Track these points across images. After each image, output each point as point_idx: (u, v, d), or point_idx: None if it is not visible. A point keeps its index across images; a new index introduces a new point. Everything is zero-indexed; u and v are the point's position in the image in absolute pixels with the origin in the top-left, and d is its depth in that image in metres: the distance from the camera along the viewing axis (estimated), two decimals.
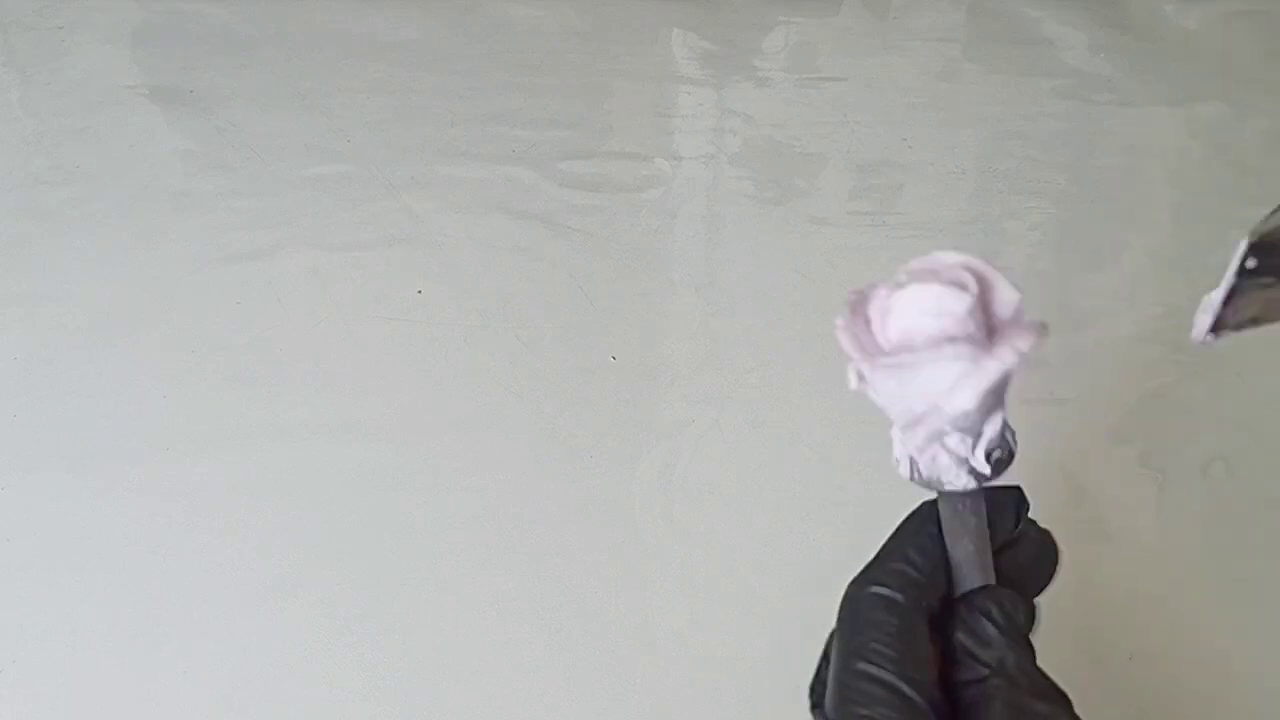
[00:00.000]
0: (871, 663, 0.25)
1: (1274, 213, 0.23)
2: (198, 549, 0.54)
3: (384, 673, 0.49)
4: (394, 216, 0.77)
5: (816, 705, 0.28)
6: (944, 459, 0.26)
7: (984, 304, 0.25)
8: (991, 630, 0.26)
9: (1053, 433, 0.62)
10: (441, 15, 1.02)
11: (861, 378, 0.25)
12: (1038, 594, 0.30)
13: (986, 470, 0.26)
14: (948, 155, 0.86)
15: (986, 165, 0.85)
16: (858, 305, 0.26)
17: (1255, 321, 0.24)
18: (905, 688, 0.25)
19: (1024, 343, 0.24)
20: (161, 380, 0.63)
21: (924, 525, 0.28)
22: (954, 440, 0.26)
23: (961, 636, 0.26)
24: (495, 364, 0.65)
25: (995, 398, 0.25)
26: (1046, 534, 0.30)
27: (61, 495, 0.56)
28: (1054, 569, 0.30)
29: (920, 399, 0.25)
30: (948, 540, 0.27)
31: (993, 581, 0.28)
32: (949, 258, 0.25)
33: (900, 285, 0.25)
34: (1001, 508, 0.29)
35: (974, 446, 0.26)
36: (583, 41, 0.99)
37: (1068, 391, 0.64)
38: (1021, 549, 0.29)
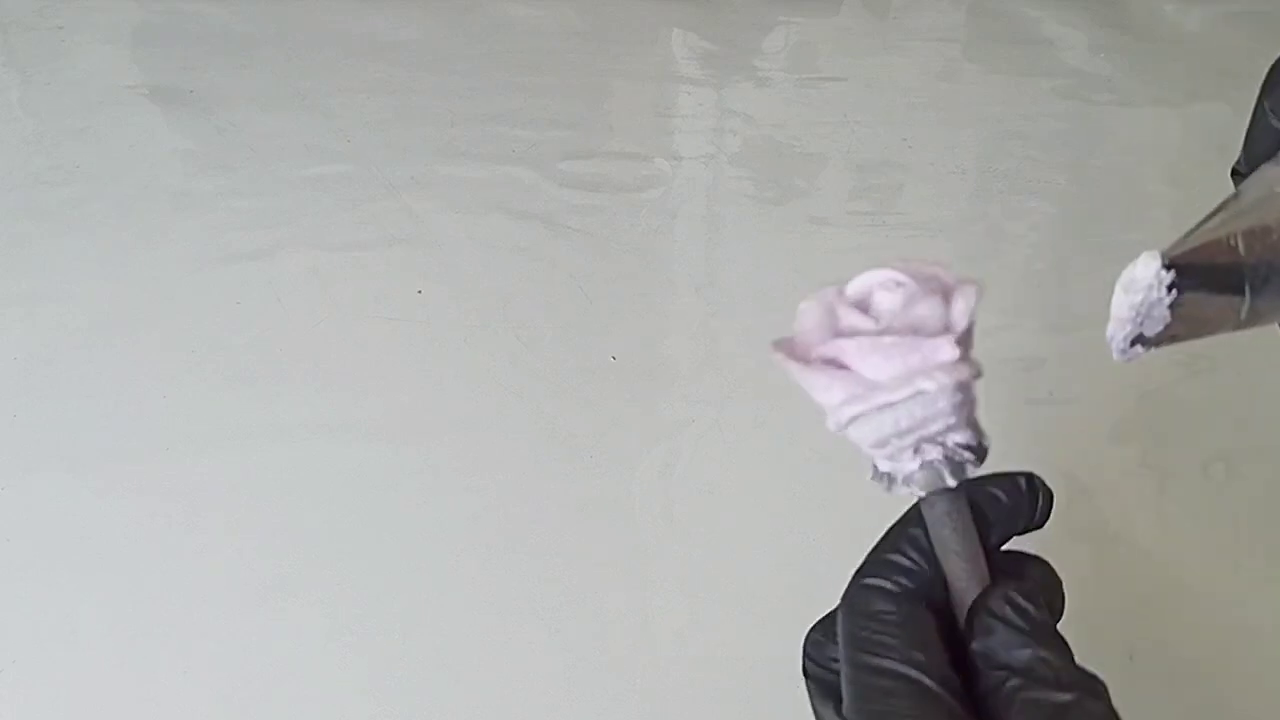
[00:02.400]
0: (873, 654, 0.24)
1: (1185, 236, 0.24)
2: (198, 549, 0.54)
3: (384, 673, 0.49)
4: (394, 216, 0.77)
5: (821, 699, 0.27)
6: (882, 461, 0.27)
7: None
8: (1004, 632, 0.25)
9: (1053, 433, 0.62)
10: (441, 15, 1.02)
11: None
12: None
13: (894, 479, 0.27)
14: (948, 155, 0.86)
15: (986, 165, 0.85)
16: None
17: (1174, 339, 0.23)
18: (912, 672, 0.24)
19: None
20: (161, 380, 0.63)
21: (912, 521, 0.27)
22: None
23: (976, 646, 0.25)
24: (495, 364, 0.65)
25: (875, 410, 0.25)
26: (1050, 576, 0.28)
27: (61, 495, 0.56)
28: (1060, 606, 0.28)
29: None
30: (935, 547, 0.27)
31: (985, 582, 0.26)
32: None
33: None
34: (1008, 497, 0.27)
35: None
36: (583, 41, 0.99)
37: (1068, 392, 0.64)
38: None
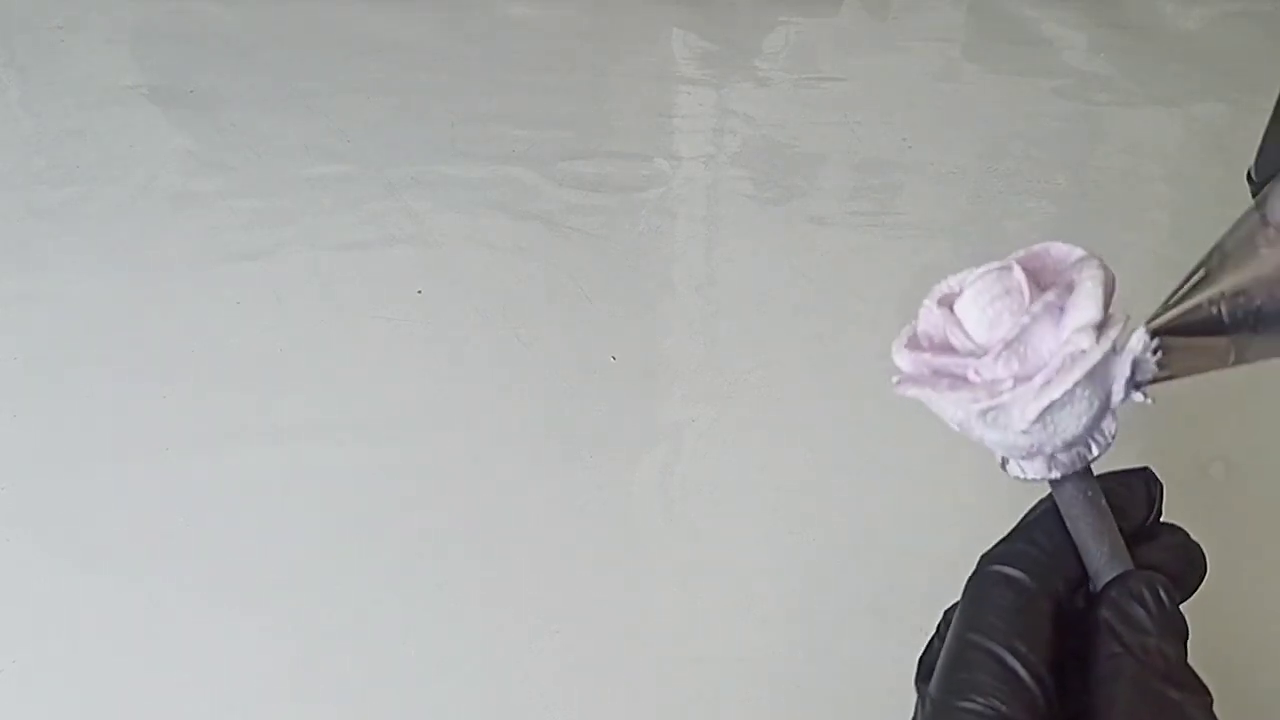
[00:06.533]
0: (982, 633, 0.25)
1: (1171, 299, 0.27)
2: (198, 549, 0.54)
3: (384, 673, 0.49)
4: (394, 216, 0.77)
5: (923, 678, 0.28)
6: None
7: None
8: (1141, 614, 0.25)
9: None
10: (441, 15, 1.01)
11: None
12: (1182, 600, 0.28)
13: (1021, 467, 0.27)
14: (948, 155, 0.86)
15: (986, 165, 0.85)
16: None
17: (1169, 379, 0.26)
18: (1009, 658, 0.24)
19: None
20: (161, 380, 0.63)
21: (1045, 513, 0.28)
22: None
23: (1107, 614, 0.26)
24: (495, 364, 0.65)
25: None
26: (1189, 544, 0.29)
27: (61, 495, 0.56)
28: (1196, 580, 0.29)
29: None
30: (1070, 529, 0.27)
31: (1130, 566, 0.27)
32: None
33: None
34: (1128, 490, 0.29)
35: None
36: (583, 41, 0.99)
37: None
38: (1157, 549, 0.29)
